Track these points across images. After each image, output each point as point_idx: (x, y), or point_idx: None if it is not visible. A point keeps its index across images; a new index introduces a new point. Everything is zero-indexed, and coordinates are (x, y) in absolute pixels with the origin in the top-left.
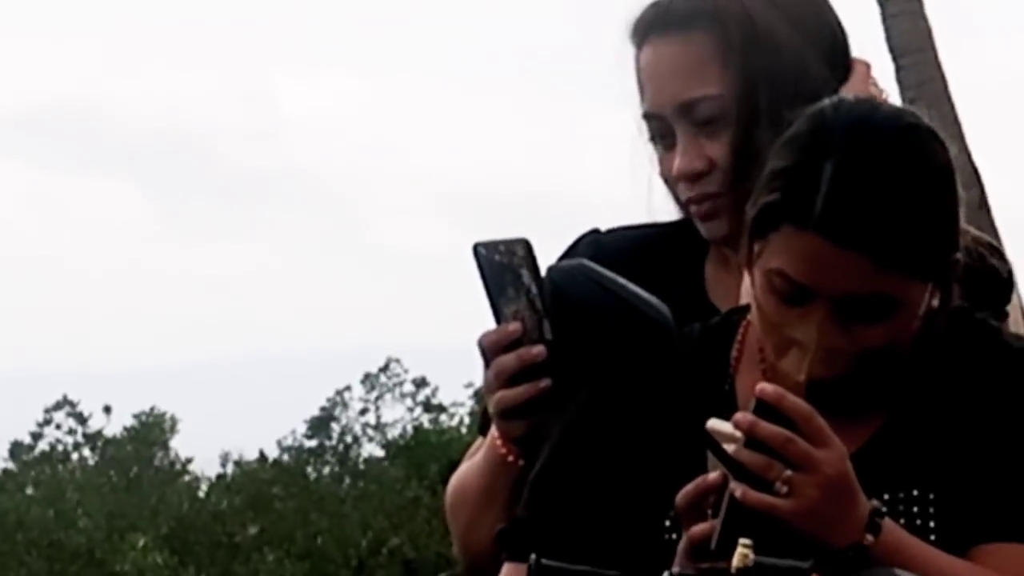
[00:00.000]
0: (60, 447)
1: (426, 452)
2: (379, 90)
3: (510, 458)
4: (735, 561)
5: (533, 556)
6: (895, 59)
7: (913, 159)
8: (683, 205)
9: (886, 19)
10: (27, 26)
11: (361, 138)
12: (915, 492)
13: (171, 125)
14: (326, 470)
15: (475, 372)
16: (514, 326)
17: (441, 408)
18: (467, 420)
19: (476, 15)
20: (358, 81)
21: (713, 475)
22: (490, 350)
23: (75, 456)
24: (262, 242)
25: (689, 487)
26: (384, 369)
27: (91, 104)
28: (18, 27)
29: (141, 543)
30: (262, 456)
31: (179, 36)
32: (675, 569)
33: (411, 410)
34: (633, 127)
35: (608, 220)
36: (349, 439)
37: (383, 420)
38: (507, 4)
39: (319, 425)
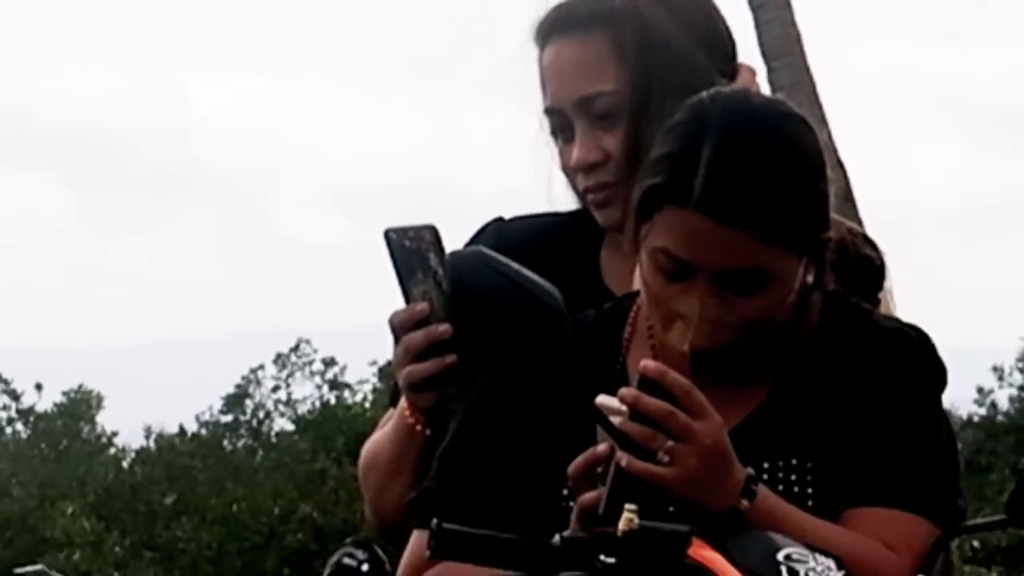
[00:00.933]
0: None
1: (333, 426)
2: (283, 90)
3: (418, 427)
4: (621, 525)
5: (434, 521)
6: (767, 62)
7: (784, 141)
8: (581, 195)
9: (759, 25)
10: None
11: (267, 135)
12: (794, 461)
13: (89, 122)
14: (241, 443)
15: (380, 352)
16: (422, 306)
17: (347, 386)
18: (371, 396)
19: (371, 19)
20: (264, 81)
21: (601, 447)
22: (400, 328)
23: (8, 430)
24: (179, 232)
25: (579, 458)
26: (295, 349)
27: (14, 102)
28: None
29: (70, 510)
30: (181, 430)
31: (98, 37)
32: (566, 533)
33: (319, 387)
34: (535, 122)
35: (504, 209)
36: (262, 414)
37: (294, 397)
38: (397, 9)
39: (234, 401)
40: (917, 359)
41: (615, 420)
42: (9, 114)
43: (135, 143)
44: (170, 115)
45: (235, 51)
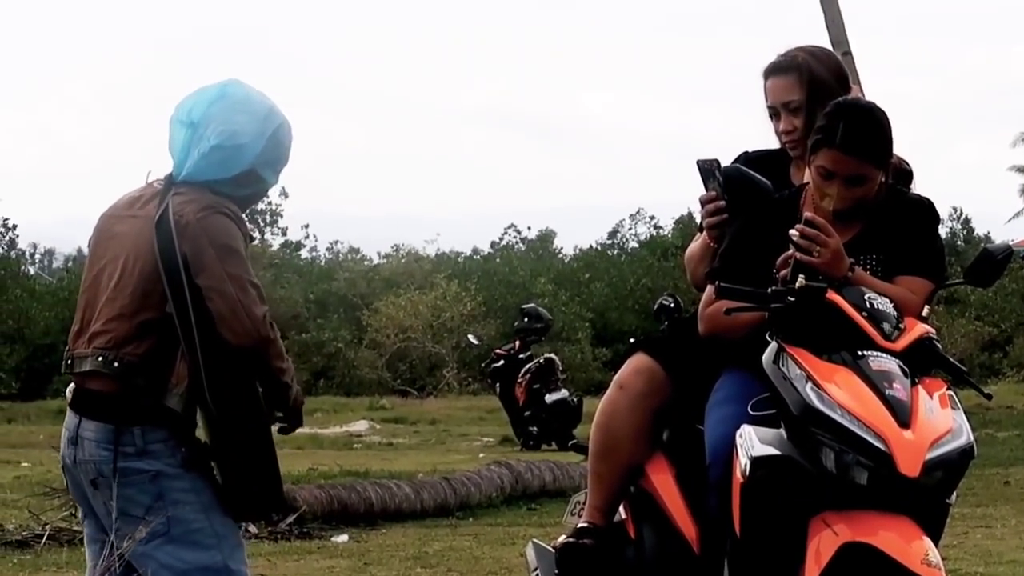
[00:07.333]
0: None
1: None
2: None
3: (711, 244)
4: (798, 284)
5: (717, 281)
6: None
7: (876, 118)
8: (782, 143)
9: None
10: None
11: None
12: (872, 255)
13: None
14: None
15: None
16: (713, 193)
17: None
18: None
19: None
20: None
21: (790, 251)
22: (703, 201)
23: None
24: None
25: (781, 256)
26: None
27: None
28: None
29: None
30: None
31: None
32: (777, 287)
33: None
34: (765, 113)
35: (748, 146)
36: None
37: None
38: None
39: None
40: (927, 210)
41: (795, 238)
42: None
43: None
44: None
45: None
